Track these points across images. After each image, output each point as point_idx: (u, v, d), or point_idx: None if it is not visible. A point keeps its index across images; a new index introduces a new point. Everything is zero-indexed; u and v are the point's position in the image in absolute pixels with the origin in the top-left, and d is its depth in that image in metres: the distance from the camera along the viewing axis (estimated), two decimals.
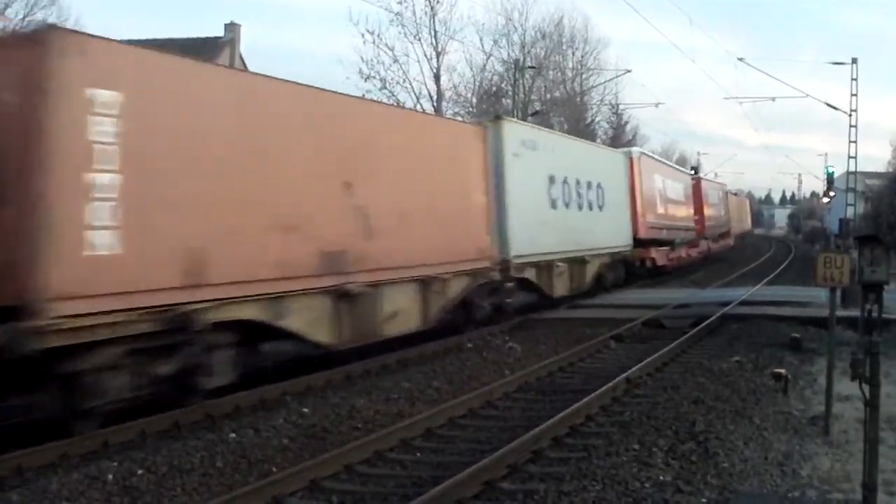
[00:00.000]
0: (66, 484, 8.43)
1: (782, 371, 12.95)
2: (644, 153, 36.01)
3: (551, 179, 23.19)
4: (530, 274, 21.49)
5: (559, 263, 23.04)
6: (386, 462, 9.47)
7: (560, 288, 23.43)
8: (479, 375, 14.38)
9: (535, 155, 21.77)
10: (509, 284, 20.08)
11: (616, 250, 29.04)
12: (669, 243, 36.46)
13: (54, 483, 8.46)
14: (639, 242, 31.44)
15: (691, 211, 43.36)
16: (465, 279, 18.12)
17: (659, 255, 34.09)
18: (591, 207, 26.32)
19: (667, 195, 37.43)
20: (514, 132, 21.36)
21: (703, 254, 46.02)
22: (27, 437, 9.69)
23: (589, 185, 26.24)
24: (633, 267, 31.60)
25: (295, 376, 13.16)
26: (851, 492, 7.94)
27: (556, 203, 23.45)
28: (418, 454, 9.85)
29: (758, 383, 13.05)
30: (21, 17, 37.72)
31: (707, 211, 47.99)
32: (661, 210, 35.78)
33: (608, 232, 27.93)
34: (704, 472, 8.58)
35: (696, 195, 45.56)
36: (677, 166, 50.68)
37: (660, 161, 40.68)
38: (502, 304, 20.06)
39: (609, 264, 28.38)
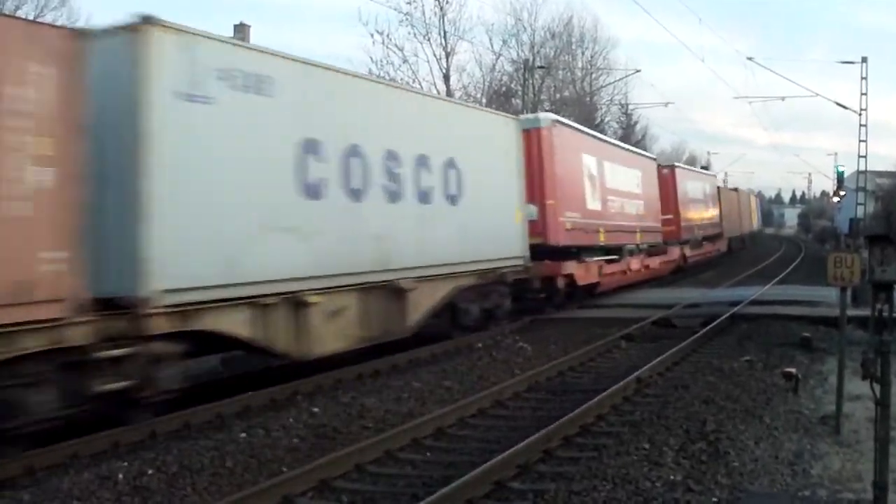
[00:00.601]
0: (77, 483, 8.45)
1: (793, 370, 12.91)
2: (561, 121, 24.88)
3: (309, 148, 13.20)
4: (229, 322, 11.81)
5: (315, 299, 13.10)
6: (396, 461, 9.47)
7: (329, 340, 13.54)
8: (490, 375, 14.37)
9: (259, 102, 12.23)
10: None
11: (490, 266, 18.44)
12: (615, 251, 27.30)
13: (65, 483, 8.48)
14: (550, 252, 21.93)
15: (658, 207, 34.41)
16: None
17: (582, 271, 23.84)
18: (426, 199, 16.31)
19: (609, 184, 27.25)
20: (183, 51, 11.08)
21: (672, 264, 36.48)
22: (38, 437, 9.74)
23: (424, 162, 16.26)
24: (529, 291, 21.60)
25: (305, 376, 13.17)
26: (862, 491, 7.92)
27: (323, 190, 13.52)
28: (429, 454, 9.85)
29: (768, 383, 13.03)
30: (32, 17, 37.87)
31: (686, 209, 39.52)
32: (594, 205, 25.67)
33: (472, 238, 17.64)
34: (715, 471, 8.56)
35: (668, 188, 37.07)
36: (637, 150, 39.01)
37: (595, 137, 29.31)
38: None
39: (474, 290, 18.17)
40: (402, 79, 38.63)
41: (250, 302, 11.93)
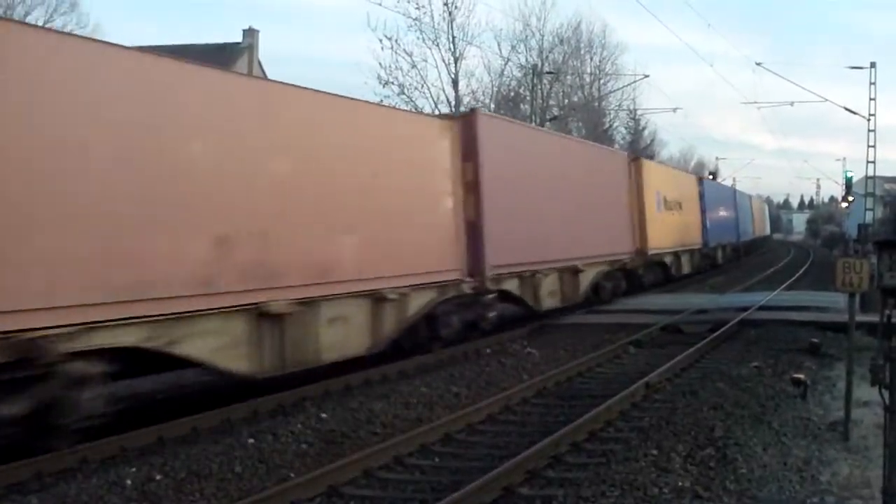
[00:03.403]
0: (86, 489, 8.47)
1: (801, 376, 12.88)
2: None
3: None
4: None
5: None
6: (405, 467, 9.46)
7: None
8: (498, 381, 14.36)
9: None
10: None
11: None
12: None
13: (73, 488, 8.50)
14: None
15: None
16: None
17: None
18: None
19: None
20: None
21: None
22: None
23: None
24: None
25: (312, 382, 13.17)
26: (871, 498, 7.90)
27: None
28: (437, 459, 9.84)
29: (777, 389, 13.00)
30: (42, 22, 38.07)
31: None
32: None
33: None
34: (723, 477, 8.55)
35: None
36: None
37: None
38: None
39: None
40: (410, 84, 38.72)
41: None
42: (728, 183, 72.67)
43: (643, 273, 30.56)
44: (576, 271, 23.00)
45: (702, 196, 41.43)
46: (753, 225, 69.27)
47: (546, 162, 21.77)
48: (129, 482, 8.68)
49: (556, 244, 21.59)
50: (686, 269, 37.29)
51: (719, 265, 46.04)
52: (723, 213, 49.10)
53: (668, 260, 33.64)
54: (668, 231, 33.13)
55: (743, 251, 58.49)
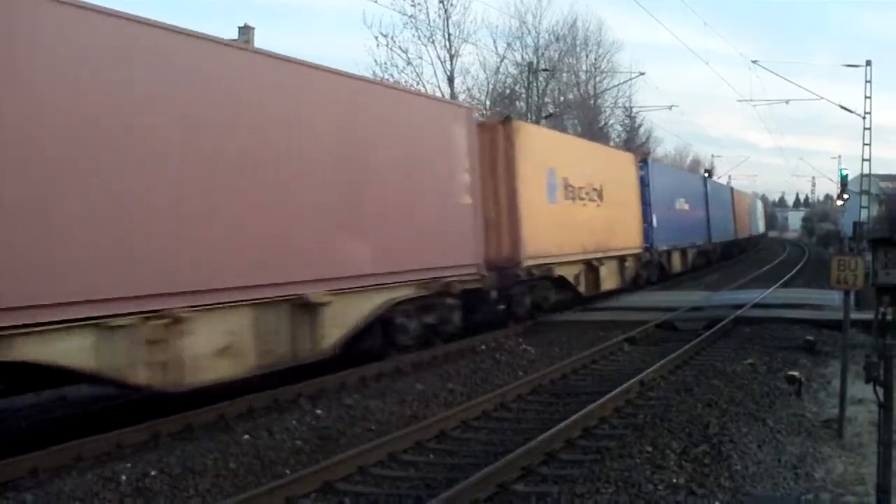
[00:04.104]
0: (80, 485, 8.47)
1: (796, 374, 12.91)
2: None
3: None
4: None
5: None
6: (400, 464, 9.47)
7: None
8: (493, 378, 14.38)
9: None
10: None
11: None
12: None
13: (68, 484, 8.51)
14: None
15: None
16: None
17: None
18: None
19: None
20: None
21: None
22: (41, 439, 9.77)
23: None
24: None
25: (306, 379, 13.17)
26: (865, 495, 7.92)
27: None
28: (432, 456, 9.86)
29: (771, 386, 13.02)
30: None
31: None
32: None
33: None
34: (718, 474, 8.56)
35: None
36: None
37: None
38: None
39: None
40: (405, 81, 38.68)
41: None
42: (724, 181, 72.15)
43: (516, 295, 20.28)
44: (305, 305, 13.15)
45: (645, 183, 31.06)
46: (735, 223, 55.41)
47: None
48: (123, 478, 8.68)
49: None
50: (611, 282, 26.60)
51: (674, 275, 35.64)
52: (684, 207, 37.75)
53: (569, 273, 22.96)
54: (572, 230, 22.93)
55: (718, 255, 47.98)
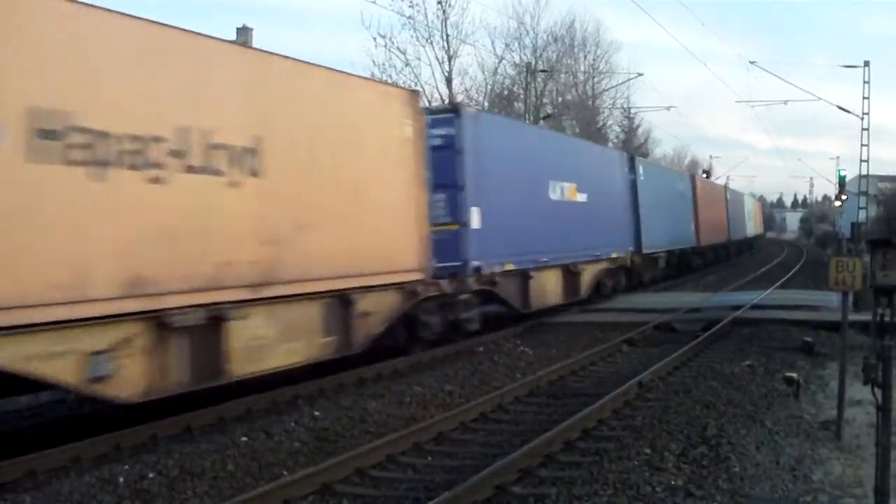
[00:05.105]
0: (78, 487, 8.46)
1: (794, 375, 12.90)
2: None
3: None
4: None
5: None
6: (398, 466, 9.46)
7: None
8: (491, 379, 14.37)
9: None
10: None
11: None
12: None
13: (66, 486, 8.50)
14: None
15: None
16: None
17: None
18: None
19: None
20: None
21: None
22: (39, 440, 9.76)
23: None
24: None
25: (305, 380, 13.16)
26: (863, 497, 7.92)
27: None
28: (430, 458, 9.85)
29: (769, 387, 13.02)
30: None
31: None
32: None
33: None
34: (716, 476, 8.56)
35: None
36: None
37: None
38: None
39: None
40: (404, 82, 38.71)
41: None
42: (721, 181, 71.57)
43: None
44: None
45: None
46: (696, 225, 40.87)
47: None
48: (121, 480, 8.67)
49: None
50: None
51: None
52: (538, 199, 21.69)
53: None
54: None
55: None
